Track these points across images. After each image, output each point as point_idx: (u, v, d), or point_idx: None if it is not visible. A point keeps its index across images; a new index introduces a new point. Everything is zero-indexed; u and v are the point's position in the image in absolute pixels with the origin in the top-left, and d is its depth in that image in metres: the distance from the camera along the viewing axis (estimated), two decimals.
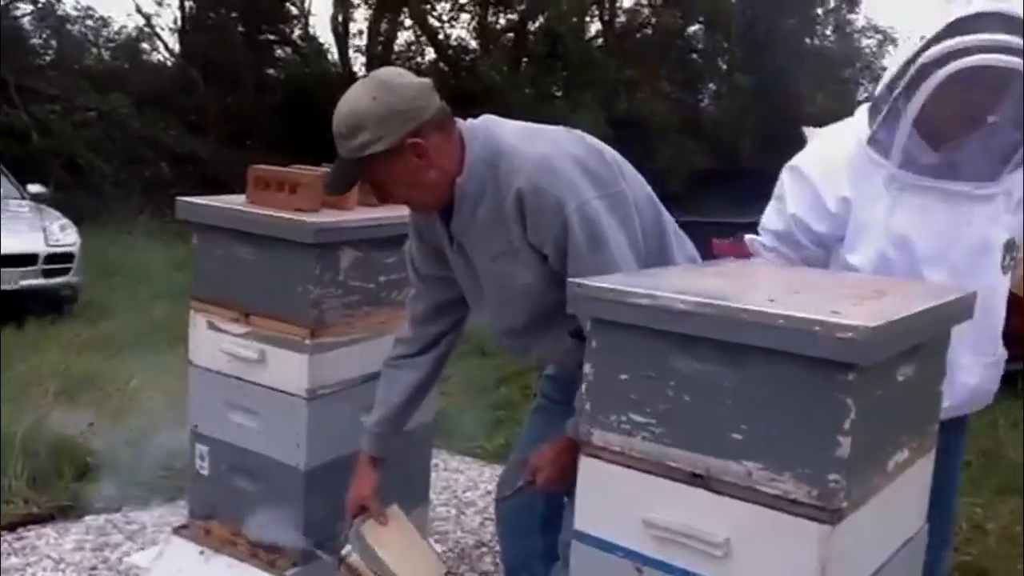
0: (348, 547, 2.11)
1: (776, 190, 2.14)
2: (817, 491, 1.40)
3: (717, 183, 15.58)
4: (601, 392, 1.60)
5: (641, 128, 15.00)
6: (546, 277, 1.89)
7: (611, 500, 1.60)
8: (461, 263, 2.02)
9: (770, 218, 2.14)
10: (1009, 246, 2.05)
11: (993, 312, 2.07)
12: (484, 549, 3.17)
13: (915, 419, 1.67)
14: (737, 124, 17.59)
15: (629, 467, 1.58)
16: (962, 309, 1.73)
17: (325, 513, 2.42)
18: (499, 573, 3.00)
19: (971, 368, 2.07)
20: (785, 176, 2.11)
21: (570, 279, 1.62)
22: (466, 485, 3.66)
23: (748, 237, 2.21)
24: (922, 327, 1.57)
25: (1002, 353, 2.13)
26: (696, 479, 1.51)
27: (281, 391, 2.40)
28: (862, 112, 2.06)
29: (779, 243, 2.11)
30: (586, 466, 1.63)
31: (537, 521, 2.24)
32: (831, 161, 2.04)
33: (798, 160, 2.10)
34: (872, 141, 1.98)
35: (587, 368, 1.60)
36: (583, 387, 1.62)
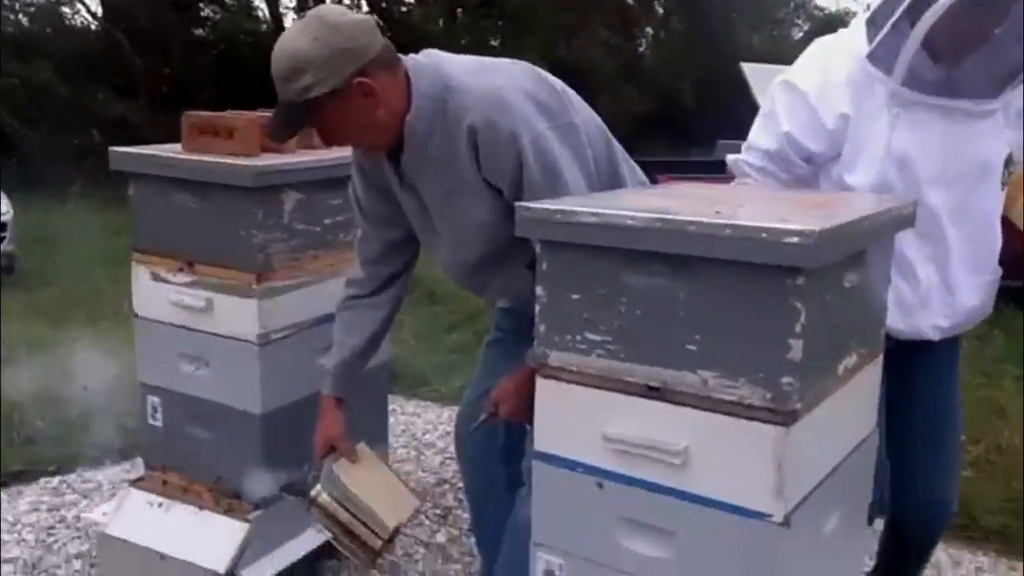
0: (318, 487, 2.10)
1: (765, 106, 2.07)
2: (771, 394, 1.43)
3: (657, 126, 15.65)
4: (554, 313, 1.60)
5: (580, 75, 14.95)
6: (500, 212, 1.87)
7: (569, 418, 1.62)
8: (412, 203, 2.00)
9: (759, 136, 2.06)
10: (1008, 161, 2.04)
11: (993, 229, 2.06)
12: (446, 486, 3.20)
13: (863, 325, 1.71)
14: (675, 68, 17.61)
15: (586, 385, 1.59)
16: (904, 217, 1.76)
17: (283, 457, 2.41)
18: (462, 508, 3.04)
19: (971, 287, 2.06)
20: (777, 92, 2.03)
21: (518, 203, 1.61)
22: (424, 428, 3.68)
23: (731, 157, 2.13)
24: (866, 232, 1.60)
25: (999, 271, 2.11)
26: (653, 392, 1.53)
27: (231, 338, 2.37)
28: (857, 24, 2.00)
29: (768, 162, 2.04)
30: (543, 387, 1.64)
31: (498, 452, 2.25)
32: (829, 76, 1.97)
33: (791, 75, 2.02)
34: (872, 57, 1.93)
35: (539, 291, 1.60)
36: (536, 310, 1.63)
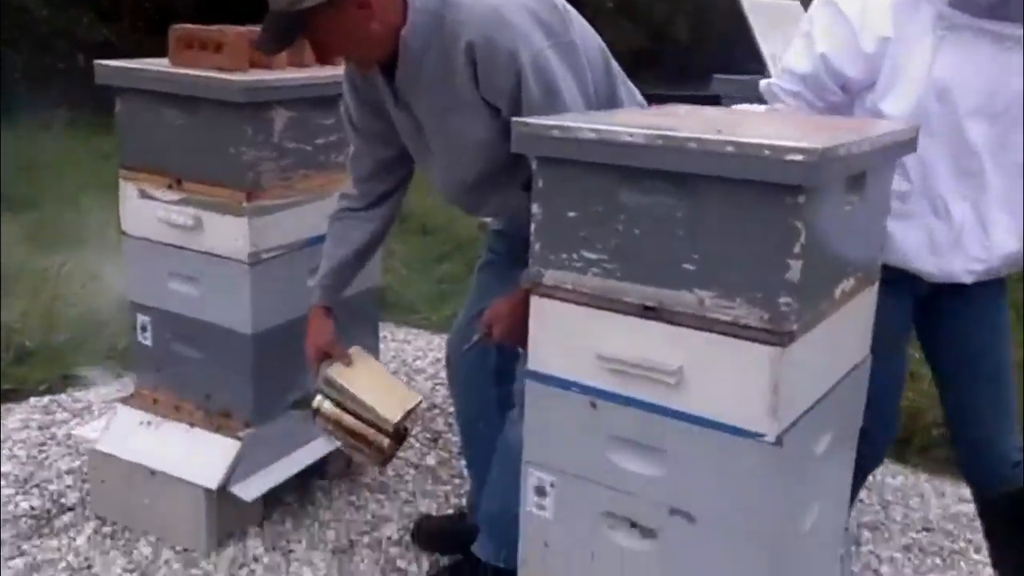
0: (319, 397, 2.10)
1: (803, 26, 1.97)
2: (768, 315, 1.42)
3: (652, 61, 15.45)
4: (550, 231, 1.58)
5: (576, 8, 14.67)
6: (497, 130, 1.83)
7: (564, 338, 1.61)
8: (406, 121, 1.96)
9: (794, 59, 1.96)
10: None
11: None
12: (436, 411, 3.21)
13: (860, 250, 1.69)
14: (671, 2, 17.34)
15: (581, 304, 1.58)
16: (906, 143, 1.73)
17: (274, 377, 2.40)
18: (452, 433, 3.05)
19: (1008, 228, 1.92)
20: (817, 11, 1.93)
21: (514, 119, 1.58)
22: (415, 354, 3.68)
23: (764, 82, 2.05)
24: (867, 154, 1.57)
25: None
26: (649, 311, 1.52)
27: (222, 256, 2.34)
28: None
29: (803, 87, 1.95)
30: (538, 306, 1.63)
31: (490, 373, 2.25)
32: None
33: None
34: None
35: (535, 208, 1.58)
36: (532, 228, 1.61)
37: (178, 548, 2.41)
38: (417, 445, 2.97)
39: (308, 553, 2.42)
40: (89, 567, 2.33)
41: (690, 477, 1.54)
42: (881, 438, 2.02)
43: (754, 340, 1.44)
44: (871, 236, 1.75)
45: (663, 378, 1.52)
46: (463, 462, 2.86)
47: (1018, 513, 1.99)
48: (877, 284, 1.81)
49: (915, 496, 2.93)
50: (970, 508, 2.88)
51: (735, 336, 1.45)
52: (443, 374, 3.51)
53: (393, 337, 3.86)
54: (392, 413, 2.10)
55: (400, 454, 2.91)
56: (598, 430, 1.61)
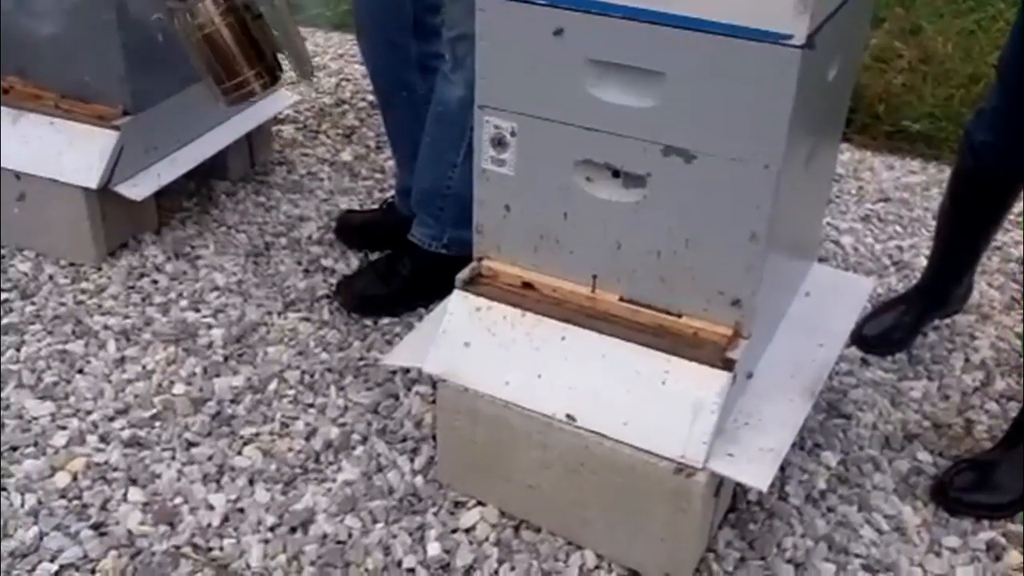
0: None
1: None
2: None
3: None
4: None
5: None
6: None
7: None
8: None
9: None
10: None
11: None
12: (346, 107, 2.84)
13: None
14: None
15: None
16: None
17: (152, 50, 1.97)
18: (366, 127, 2.71)
19: None
20: None
21: None
22: (313, 51, 3.23)
23: None
24: None
25: None
26: None
27: None
28: None
29: None
30: None
31: (408, 28, 1.89)
32: None
33: None
34: None
35: None
36: None
37: (62, 262, 2.07)
38: (329, 141, 2.62)
39: (217, 258, 2.11)
40: None
41: (691, 104, 1.25)
42: None
43: None
44: None
45: None
46: (384, 155, 2.54)
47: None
48: None
49: (865, 170, 2.76)
50: (922, 179, 2.75)
51: None
52: (347, 70, 3.11)
53: None
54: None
55: (310, 151, 2.57)
56: (569, 55, 1.29)
